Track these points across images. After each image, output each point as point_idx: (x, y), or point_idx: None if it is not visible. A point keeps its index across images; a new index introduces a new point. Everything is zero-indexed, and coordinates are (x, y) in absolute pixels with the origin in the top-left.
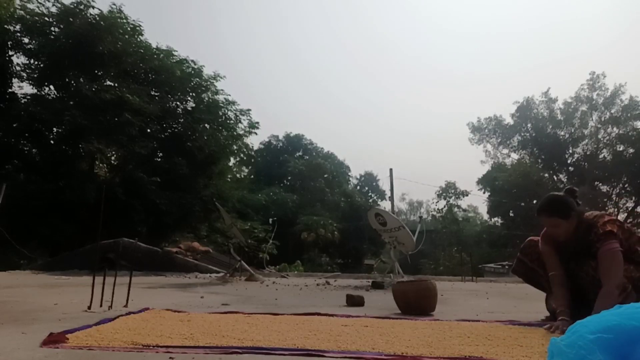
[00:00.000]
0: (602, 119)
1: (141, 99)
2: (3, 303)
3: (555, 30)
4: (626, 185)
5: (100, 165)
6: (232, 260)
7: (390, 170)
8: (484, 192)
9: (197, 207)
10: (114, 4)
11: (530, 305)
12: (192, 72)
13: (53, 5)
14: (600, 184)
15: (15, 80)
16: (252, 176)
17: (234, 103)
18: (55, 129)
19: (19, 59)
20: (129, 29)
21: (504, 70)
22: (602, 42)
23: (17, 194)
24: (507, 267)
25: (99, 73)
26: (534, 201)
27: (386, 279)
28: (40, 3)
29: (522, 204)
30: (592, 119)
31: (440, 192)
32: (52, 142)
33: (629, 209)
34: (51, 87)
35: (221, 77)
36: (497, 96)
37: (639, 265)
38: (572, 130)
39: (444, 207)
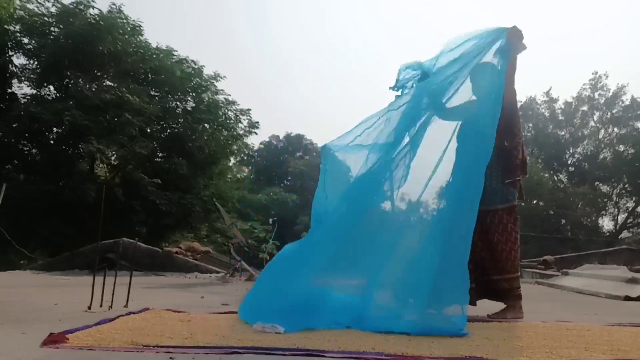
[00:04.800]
0: (603, 119)
1: (141, 99)
2: (3, 303)
3: (558, 29)
4: (626, 185)
5: (100, 165)
6: (232, 261)
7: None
8: None
9: (197, 207)
10: (114, 4)
11: (531, 305)
12: (192, 72)
13: (53, 5)
14: (601, 184)
15: (15, 81)
16: (252, 176)
17: (234, 103)
18: (55, 129)
19: (18, 60)
20: (128, 29)
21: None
22: (604, 42)
23: (16, 194)
24: None
25: (99, 73)
26: (534, 201)
27: None
28: (40, 3)
29: (522, 204)
30: (594, 119)
31: None
32: (52, 142)
33: (629, 209)
34: (51, 87)
35: (221, 77)
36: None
37: None
38: (573, 130)
39: None
